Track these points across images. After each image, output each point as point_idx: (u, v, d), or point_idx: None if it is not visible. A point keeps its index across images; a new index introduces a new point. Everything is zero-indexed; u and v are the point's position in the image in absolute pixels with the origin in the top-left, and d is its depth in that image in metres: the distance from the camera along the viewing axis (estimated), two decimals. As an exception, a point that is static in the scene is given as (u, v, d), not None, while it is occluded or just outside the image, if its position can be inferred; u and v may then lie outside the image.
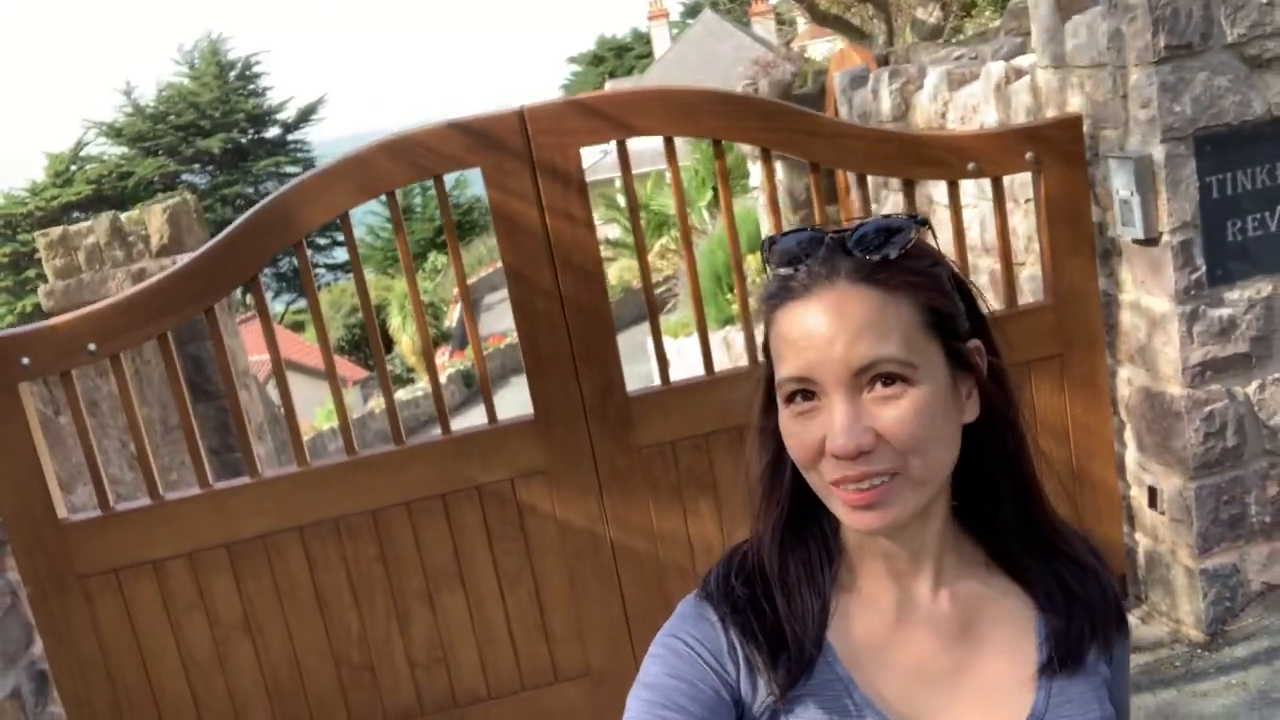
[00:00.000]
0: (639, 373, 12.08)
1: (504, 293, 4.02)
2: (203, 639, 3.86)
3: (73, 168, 34.52)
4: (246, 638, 3.88)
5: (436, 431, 4.02)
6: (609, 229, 25.68)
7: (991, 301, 5.24)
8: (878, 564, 1.18)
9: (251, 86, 39.91)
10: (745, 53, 29.92)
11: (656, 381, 4.05)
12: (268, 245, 3.76)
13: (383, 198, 3.82)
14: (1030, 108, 4.41)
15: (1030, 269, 4.54)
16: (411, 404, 21.62)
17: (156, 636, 3.83)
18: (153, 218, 7.65)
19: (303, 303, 35.50)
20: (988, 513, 1.21)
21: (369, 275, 36.67)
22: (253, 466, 3.88)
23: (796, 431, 1.09)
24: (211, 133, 37.53)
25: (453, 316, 30.09)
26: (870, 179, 4.72)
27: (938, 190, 5.20)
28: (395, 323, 30.73)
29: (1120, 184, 3.79)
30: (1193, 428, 3.83)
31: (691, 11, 47.66)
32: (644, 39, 48.44)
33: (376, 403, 21.33)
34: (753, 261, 13.72)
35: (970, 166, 3.98)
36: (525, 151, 3.75)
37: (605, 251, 24.54)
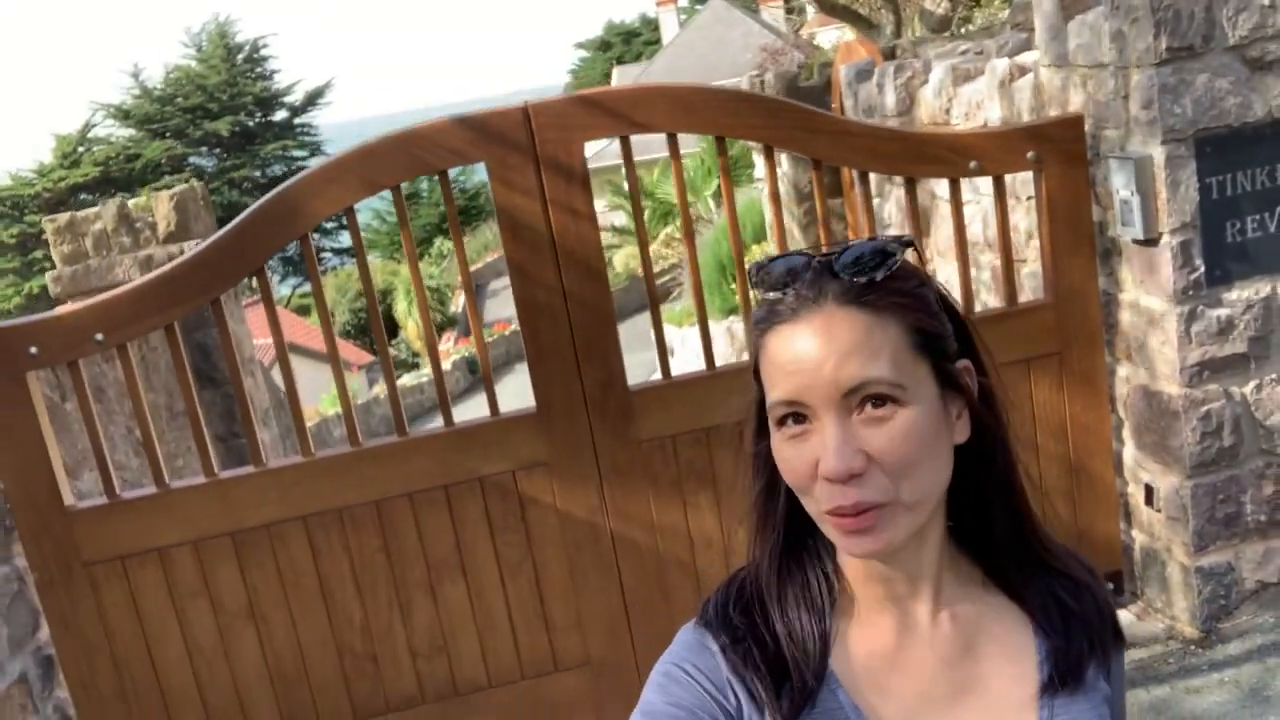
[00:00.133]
0: (644, 360, 12.09)
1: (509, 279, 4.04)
2: (207, 626, 3.91)
3: (80, 149, 34.54)
4: (250, 626, 3.93)
5: (440, 419, 4.06)
6: (615, 216, 25.70)
7: (992, 299, 5.23)
8: (876, 588, 1.17)
9: (259, 70, 39.87)
10: (754, 40, 29.91)
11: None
12: (274, 238, 3.79)
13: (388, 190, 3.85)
14: (1034, 105, 4.42)
15: (1032, 265, 4.56)
16: (416, 390, 21.69)
17: (161, 623, 3.88)
18: (160, 205, 7.69)
19: (309, 286, 35.55)
20: (982, 532, 1.20)
21: (375, 260, 36.76)
22: (257, 456, 3.93)
23: (789, 455, 1.09)
24: (219, 115, 37.53)
25: (458, 302, 30.14)
26: (874, 174, 4.74)
27: (940, 185, 5.22)
28: (401, 308, 30.80)
29: (1120, 184, 3.81)
30: (1190, 427, 3.86)
31: (700, -3, 47.54)
32: (652, 25, 48.38)
33: (382, 388, 21.39)
34: (757, 251, 13.75)
35: (972, 165, 4.00)
36: (529, 146, 3.78)
37: (612, 239, 24.67)
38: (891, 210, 6.38)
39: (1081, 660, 1.19)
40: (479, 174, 38.56)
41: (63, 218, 7.78)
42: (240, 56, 39.43)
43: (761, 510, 1.20)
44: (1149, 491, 4.11)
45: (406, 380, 23.29)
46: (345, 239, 39.37)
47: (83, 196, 32.58)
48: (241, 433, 6.64)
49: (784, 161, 9.01)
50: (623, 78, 39.34)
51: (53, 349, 3.68)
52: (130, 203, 7.88)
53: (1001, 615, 1.21)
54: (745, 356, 1.17)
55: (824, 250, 1.13)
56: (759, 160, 11.98)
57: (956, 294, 4.26)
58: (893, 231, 6.31)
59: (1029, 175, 4.19)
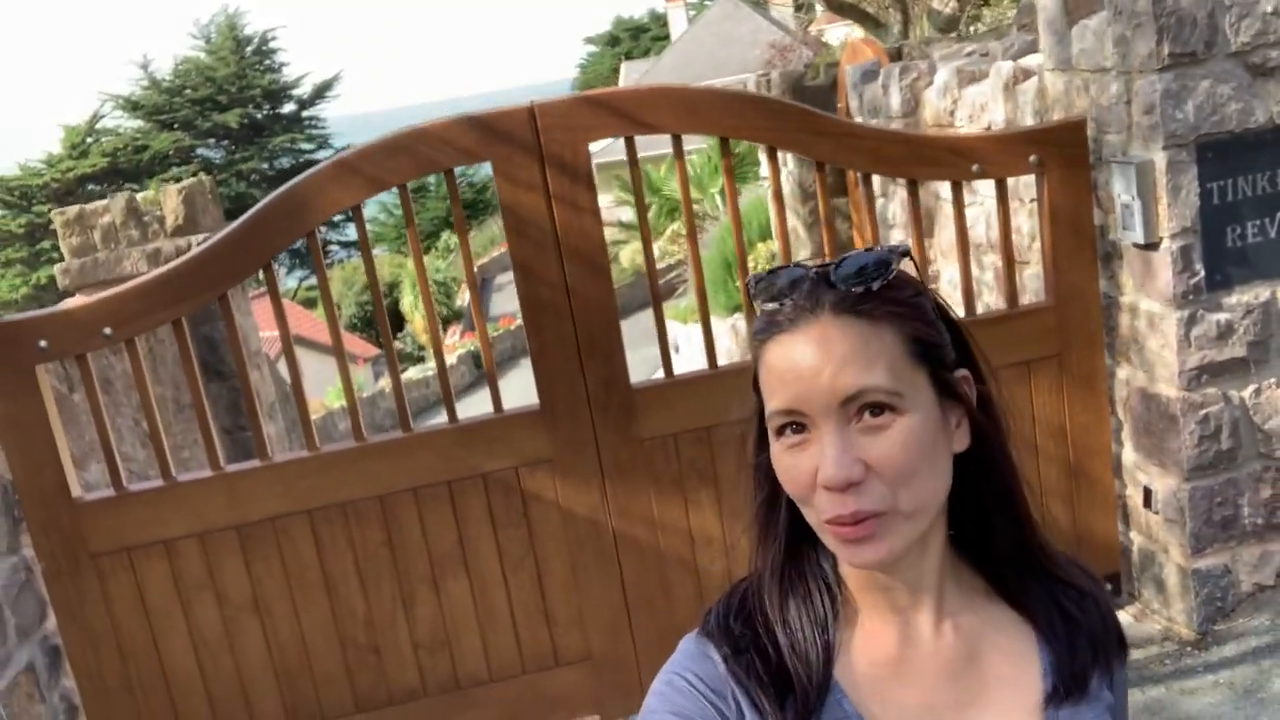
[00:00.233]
0: (650, 356, 12.11)
1: (515, 274, 4.08)
2: (212, 618, 3.95)
3: (89, 140, 34.62)
4: (255, 618, 3.97)
5: (445, 415, 4.10)
6: (622, 211, 25.71)
7: (994, 300, 5.25)
8: (878, 598, 1.17)
9: (268, 62, 39.94)
10: (762, 36, 29.91)
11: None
12: (281, 235, 3.83)
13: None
14: (1037, 109, 4.44)
15: (1034, 267, 4.58)
16: (422, 383, 21.75)
17: (167, 615, 3.92)
18: (168, 198, 7.74)
19: (316, 279, 35.55)
20: (984, 541, 1.20)
21: (382, 253, 36.80)
22: (263, 450, 3.97)
23: (788, 465, 1.10)
24: (227, 107, 37.59)
25: (464, 296, 30.17)
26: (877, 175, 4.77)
27: (943, 187, 5.24)
28: (408, 301, 30.84)
29: (1122, 188, 3.83)
30: (1188, 430, 3.88)
31: (709, -7, 47.49)
32: (661, 20, 48.34)
33: (388, 381, 21.44)
34: (763, 249, 13.76)
35: (974, 168, 4.02)
36: (535, 146, 3.81)
37: (618, 234, 24.67)
38: (896, 210, 6.40)
39: (1085, 670, 1.19)
40: (486, 168, 38.64)
41: (71, 211, 7.83)
42: (249, 49, 39.50)
43: (763, 521, 1.20)
44: (1147, 493, 4.14)
45: (412, 374, 23.38)
46: (352, 232, 39.37)
47: (90, 187, 32.66)
48: (247, 425, 6.68)
49: (789, 160, 9.03)
50: (630, 73, 39.36)
51: (62, 342, 3.72)
52: (139, 196, 7.93)
53: (1004, 625, 1.21)
54: (749, 355, 1.19)
55: (822, 261, 1.14)
56: (764, 160, 12.00)
57: (958, 294, 4.29)
58: (897, 231, 6.33)
59: (1032, 177, 4.21)
